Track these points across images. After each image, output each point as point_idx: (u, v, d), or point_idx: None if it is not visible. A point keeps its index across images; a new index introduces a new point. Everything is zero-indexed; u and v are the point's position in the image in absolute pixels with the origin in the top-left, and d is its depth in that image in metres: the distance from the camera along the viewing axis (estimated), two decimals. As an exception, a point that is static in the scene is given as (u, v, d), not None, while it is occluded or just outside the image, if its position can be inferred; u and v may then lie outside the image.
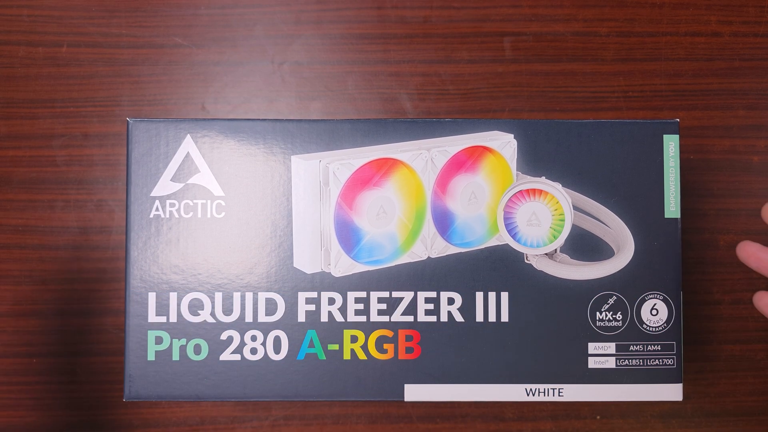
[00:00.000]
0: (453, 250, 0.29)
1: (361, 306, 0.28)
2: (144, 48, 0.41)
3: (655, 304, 0.28)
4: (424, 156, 0.29)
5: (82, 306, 0.40)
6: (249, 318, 0.28)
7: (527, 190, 0.29)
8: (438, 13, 0.41)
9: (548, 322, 0.29)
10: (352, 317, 0.28)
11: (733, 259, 0.41)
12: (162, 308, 0.28)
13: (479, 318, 0.28)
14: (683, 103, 0.41)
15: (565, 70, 0.41)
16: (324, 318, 0.28)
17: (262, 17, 0.41)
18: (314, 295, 0.28)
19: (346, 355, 0.28)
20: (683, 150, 0.41)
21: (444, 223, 0.29)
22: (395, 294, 0.28)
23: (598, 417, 0.41)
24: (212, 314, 0.28)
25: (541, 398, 0.28)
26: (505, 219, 0.29)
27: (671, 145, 0.29)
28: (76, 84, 0.41)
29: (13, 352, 0.40)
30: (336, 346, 0.28)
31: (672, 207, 0.29)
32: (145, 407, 0.40)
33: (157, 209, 0.28)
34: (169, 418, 0.40)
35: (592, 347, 0.28)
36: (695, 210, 0.41)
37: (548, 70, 0.41)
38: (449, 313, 0.28)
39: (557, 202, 0.29)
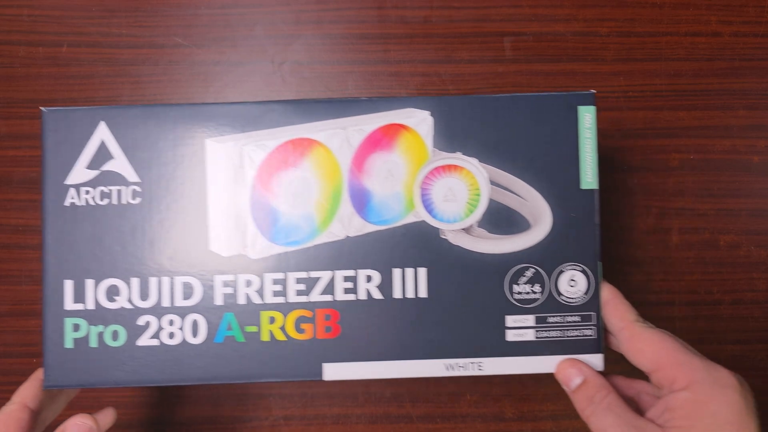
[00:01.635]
0: (370, 228, 0.29)
1: (279, 287, 0.28)
2: (144, 48, 0.41)
3: (573, 276, 0.28)
4: (340, 135, 0.29)
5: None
6: (166, 303, 0.28)
7: (443, 166, 0.29)
8: (438, 13, 0.42)
9: (466, 296, 0.29)
10: (269, 299, 0.28)
11: (734, 259, 0.42)
12: (79, 295, 0.28)
13: (397, 294, 0.28)
14: (683, 103, 0.42)
15: (565, 70, 0.42)
16: (241, 300, 0.28)
17: (262, 17, 0.42)
18: (231, 278, 0.28)
19: (265, 337, 0.28)
20: (684, 149, 0.42)
21: (361, 201, 0.29)
22: (313, 274, 0.28)
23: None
24: (129, 300, 0.28)
25: (461, 373, 0.28)
26: (422, 195, 0.29)
27: (587, 116, 0.29)
28: (76, 84, 0.41)
29: (13, 352, 0.40)
30: (254, 328, 0.28)
31: (589, 178, 0.29)
32: (144, 407, 0.41)
33: (72, 197, 0.28)
34: (169, 418, 0.40)
35: (511, 320, 0.29)
36: (695, 210, 0.42)
37: (548, 70, 0.42)
38: (367, 290, 0.28)
39: (473, 177, 0.29)
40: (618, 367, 0.35)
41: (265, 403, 0.40)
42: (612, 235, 0.42)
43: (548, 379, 0.41)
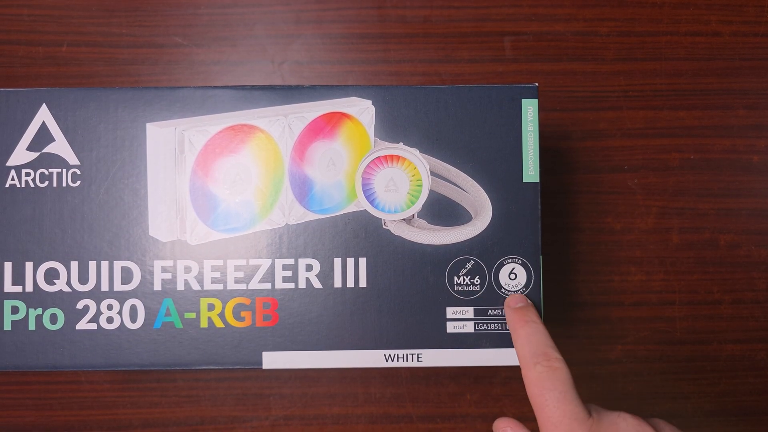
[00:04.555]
0: (311, 216, 0.36)
1: (217, 274, 0.36)
2: (144, 48, 0.50)
3: (513, 269, 0.37)
4: (282, 122, 0.36)
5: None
6: (105, 287, 0.36)
7: (385, 156, 0.36)
8: (438, 13, 0.50)
9: (407, 287, 0.36)
10: (208, 285, 0.36)
11: (734, 259, 0.50)
12: (18, 277, 0.36)
13: (338, 284, 0.36)
14: (683, 103, 0.51)
15: (565, 69, 0.51)
16: (180, 286, 0.36)
17: (262, 17, 0.50)
18: (170, 263, 0.36)
19: (203, 324, 0.36)
20: (684, 149, 0.50)
21: (302, 189, 0.36)
22: (252, 262, 0.36)
23: (599, 417, 0.52)
24: (68, 283, 0.36)
25: (401, 364, 0.36)
26: (363, 185, 0.36)
27: (530, 109, 0.36)
28: (76, 84, 0.50)
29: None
30: (193, 315, 0.36)
31: (531, 171, 0.36)
32: (144, 407, 0.49)
33: (12, 179, 0.36)
34: (169, 418, 0.49)
35: (450, 312, 0.37)
36: (695, 210, 0.50)
37: (548, 70, 0.51)
38: (307, 279, 0.36)
39: (415, 168, 0.36)
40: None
41: (265, 403, 0.49)
42: (612, 235, 0.50)
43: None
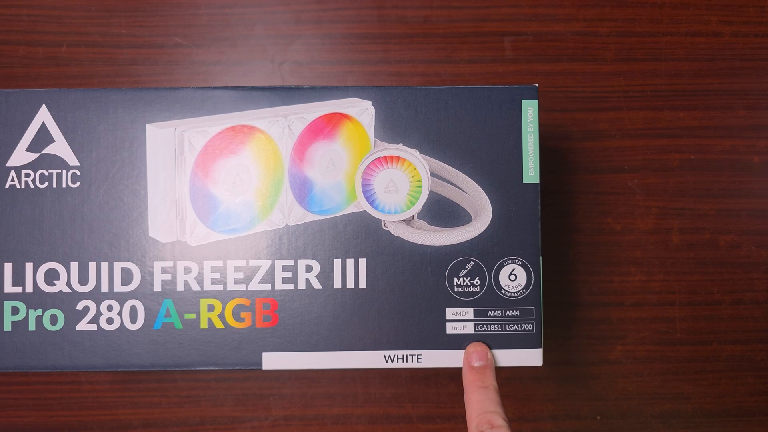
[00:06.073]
0: (311, 217, 0.36)
1: (217, 275, 0.36)
2: (144, 48, 0.50)
3: (513, 270, 0.37)
4: (281, 123, 0.36)
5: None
6: (105, 288, 0.36)
7: (385, 157, 0.36)
8: (438, 13, 0.51)
9: (406, 288, 0.36)
10: (208, 286, 0.36)
11: (734, 259, 0.50)
12: (18, 278, 0.36)
13: (337, 285, 0.36)
14: (683, 103, 0.51)
15: (566, 70, 0.51)
16: (180, 287, 0.36)
17: (262, 17, 0.50)
18: (170, 264, 0.36)
19: (203, 324, 0.36)
20: (684, 149, 0.50)
21: (302, 190, 0.36)
22: (252, 263, 0.36)
23: (599, 417, 0.50)
24: (68, 284, 0.36)
25: (400, 365, 0.36)
26: (363, 186, 0.36)
27: (530, 110, 0.36)
28: (76, 84, 0.50)
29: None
30: (193, 315, 0.36)
31: (531, 172, 0.36)
32: (144, 407, 0.49)
33: (12, 180, 0.36)
34: (169, 418, 0.50)
35: (450, 313, 0.37)
36: (695, 210, 0.50)
37: (548, 70, 0.51)
38: (307, 280, 0.36)
39: (415, 169, 0.36)
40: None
41: (265, 403, 0.49)
42: (612, 235, 0.50)
43: (548, 379, 0.49)
